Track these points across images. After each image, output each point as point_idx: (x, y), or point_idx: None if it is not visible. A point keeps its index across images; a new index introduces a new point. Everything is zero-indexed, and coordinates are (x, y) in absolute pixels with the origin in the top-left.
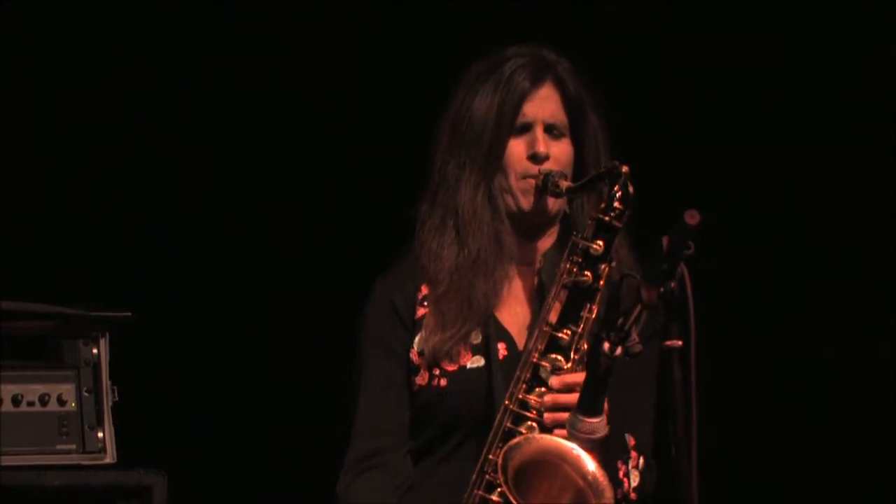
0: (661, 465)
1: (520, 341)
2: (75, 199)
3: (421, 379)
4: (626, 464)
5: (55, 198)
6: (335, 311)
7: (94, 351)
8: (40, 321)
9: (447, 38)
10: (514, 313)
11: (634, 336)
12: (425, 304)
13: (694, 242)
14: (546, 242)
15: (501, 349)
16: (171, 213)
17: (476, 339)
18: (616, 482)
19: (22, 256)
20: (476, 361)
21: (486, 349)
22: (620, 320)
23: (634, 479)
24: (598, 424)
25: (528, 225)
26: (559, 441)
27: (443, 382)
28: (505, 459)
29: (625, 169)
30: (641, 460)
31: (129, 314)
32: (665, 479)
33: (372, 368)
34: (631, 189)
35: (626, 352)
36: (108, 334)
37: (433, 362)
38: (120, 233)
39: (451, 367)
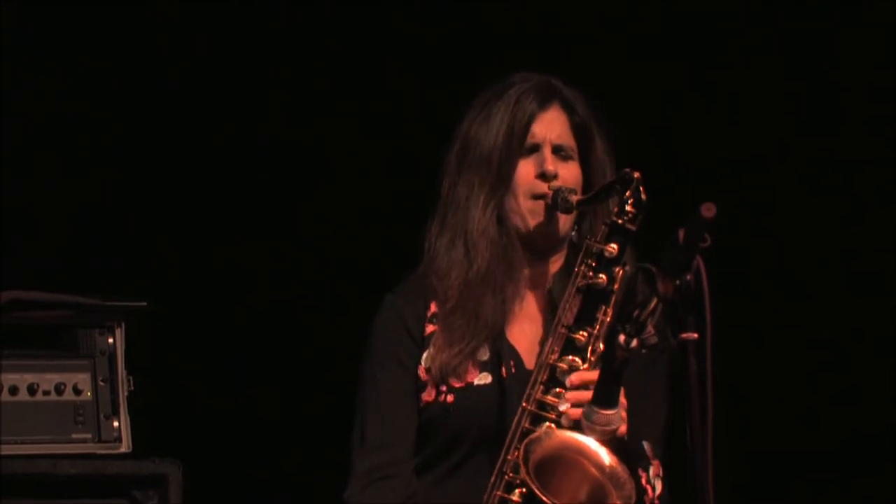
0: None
1: (528, 360)
2: (75, 198)
3: (428, 395)
4: (648, 471)
5: (55, 197)
6: (339, 302)
7: (110, 340)
8: (56, 311)
9: (447, 39)
10: (523, 332)
11: (650, 328)
12: (434, 321)
13: (710, 235)
14: (555, 266)
15: (510, 366)
16: (171, 211)
17: (483, 356)
18: (640, 490)
19: (22, 256)
20: (483, 378)
21: (495, 366)
22: (636, 312)
23: (658, 488)
24: (613, 416)
25: (536, 247)
26: (578, 436)
27: (449, 398)
28: (525, 453)
29: (636, 175)
30: (662, 469)
31: (145, 304)
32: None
33: (383, 380)
34: (643, 194)
35: (641, 344)
36: (123, 324)
37: (440, 379)
38: (120, 233)
39: (457, 384)
